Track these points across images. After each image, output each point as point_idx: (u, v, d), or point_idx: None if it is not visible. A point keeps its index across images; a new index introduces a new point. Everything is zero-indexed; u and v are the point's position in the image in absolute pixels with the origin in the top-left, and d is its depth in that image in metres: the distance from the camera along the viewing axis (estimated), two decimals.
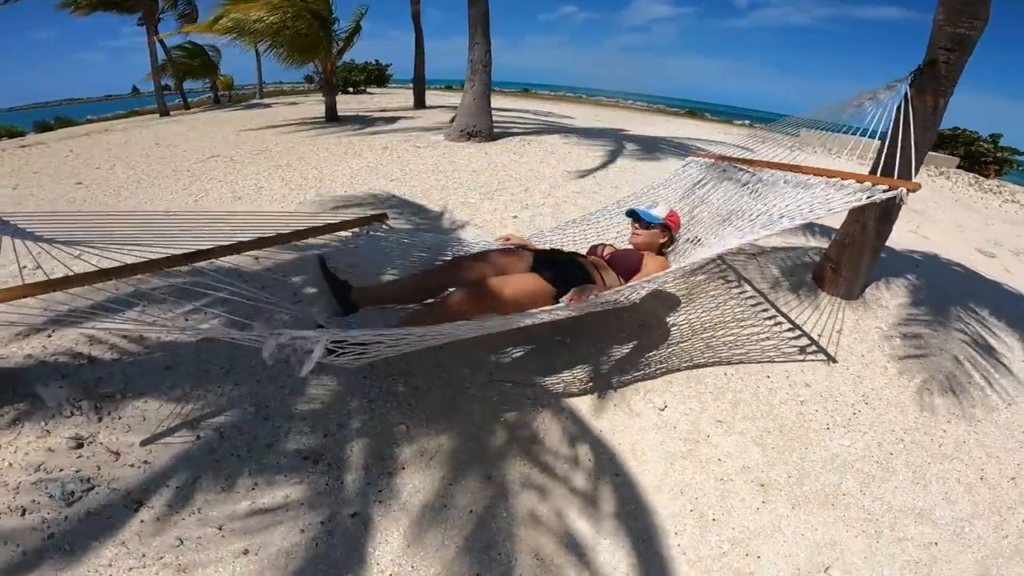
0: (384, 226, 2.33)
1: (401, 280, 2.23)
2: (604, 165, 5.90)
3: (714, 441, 2.12)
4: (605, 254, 2.41)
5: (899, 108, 2.73)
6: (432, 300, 2.09)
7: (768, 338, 2.94)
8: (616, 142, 7.65)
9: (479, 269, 2.09)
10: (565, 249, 2.65)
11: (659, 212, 2.47)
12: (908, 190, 1.76)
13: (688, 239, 2.65)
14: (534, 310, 1.92)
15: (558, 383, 2.28)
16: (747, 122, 24.00)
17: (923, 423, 2.48)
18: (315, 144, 6.51)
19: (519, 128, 8.12)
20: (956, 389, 2.81)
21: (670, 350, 2.65)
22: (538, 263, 2.15)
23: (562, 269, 2.10)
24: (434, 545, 1.55)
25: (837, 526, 1.86)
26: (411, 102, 12.04)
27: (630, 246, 2.57)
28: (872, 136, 3.31)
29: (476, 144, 6.37)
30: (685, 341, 2.73)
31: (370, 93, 17.14)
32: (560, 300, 1.96)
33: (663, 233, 2.50)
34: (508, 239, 2.58)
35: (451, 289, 2.03)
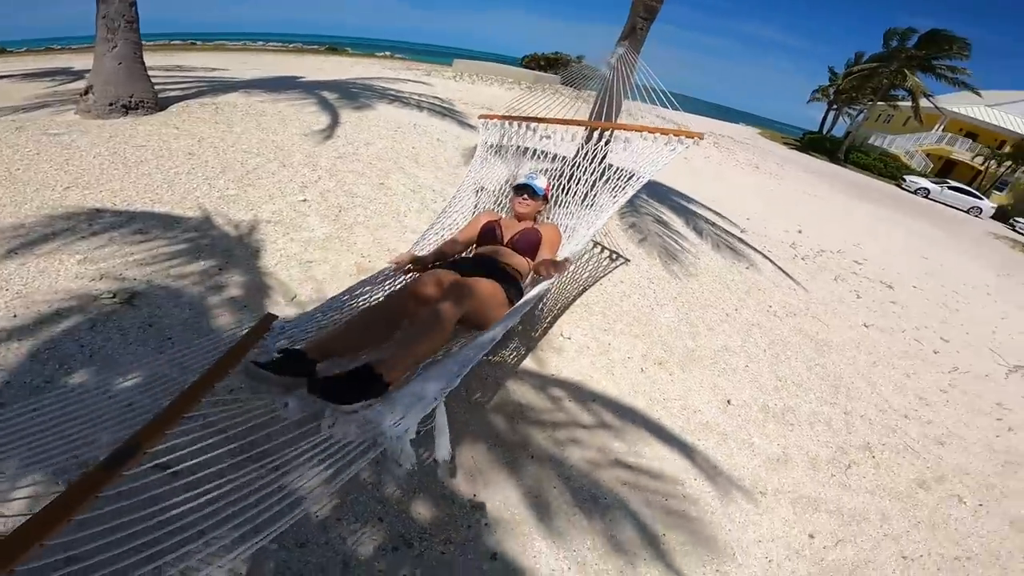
0: (278, 326, 1.82)
1: (354, 324, 1.79)
2: (333, 123, 5.42)
3: (615, 346, 2.70)
4: (507, 240, 2.43)
5: (614, 66, 3.58)
6: (397, 336, 1.85)
7: (581, 253, 3.64)
8: (309, 92, 6.99)
9: (425, 292, 1.91)
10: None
11: (542, 183, 2.59)
12: (699, 140, 2.50)
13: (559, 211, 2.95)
14: (530, 295, 1.96)
15: (489, 357, 2.39)
16: (388, 53, 24.55)
17: (681, 286, 3.69)
18: None
19: (176, 90, 6.41)
20: (674, 255, 4.18)
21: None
22: (464, 272, 2.06)
23: (490, 274, 2.08)
24: (566, 524, 1.67)
25: (707, 373, 2.75)
26: None
27: (509, 215, 2.70)
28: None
29: (145, 117, 4.83)
30: None
31: None
32: (531, 281, 2.07)
33: (543, 202, 2.65)
34: (399, 261, 2.33)
35: (413, 316, 1.84)
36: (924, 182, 20.63)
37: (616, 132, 2.76)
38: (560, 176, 2.97)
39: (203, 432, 1.27)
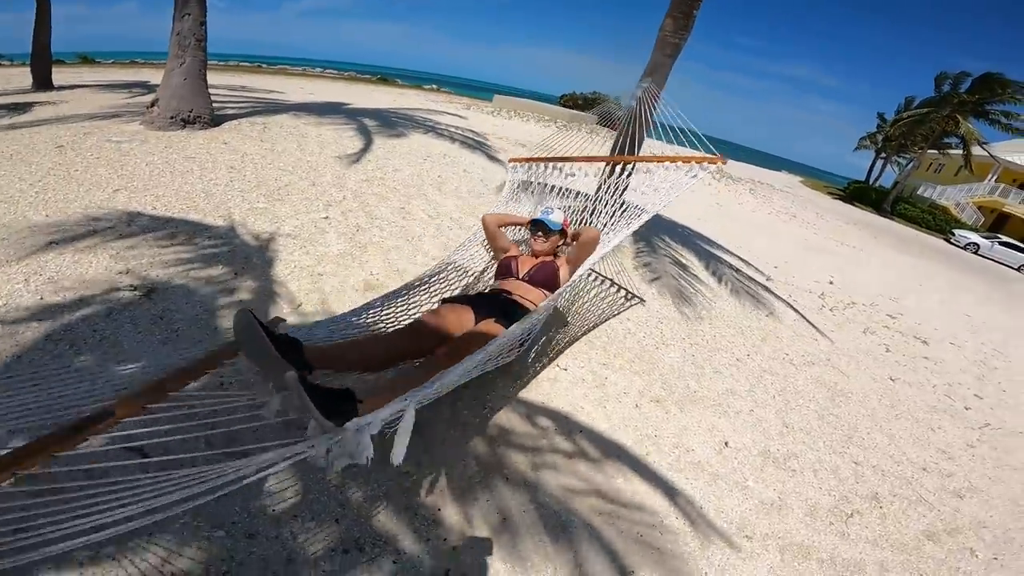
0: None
1: (360, 344, 1.88)
2: (367, 147, 5.71)
3: (612, 380, 2.67)
4: (522, 274, 2.47)
5: (638, 102, 3.65)
6: (403, 364, 1.92)
7: (597, 292, 3.66)
8: (352, 118, 7.37)
9: (441, 330, 1.97)
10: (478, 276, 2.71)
11: (557, 218, 2.62)
12: (722, 164, 2.48)
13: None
14: (518, 329, 1.97)
15: (487, 382, 2.41)
16: (434, 86, 25.64)
17: (691, 329, 3.63)
18: None
19: (233, 108, 6.89)
20: (687, 298, 4.12)
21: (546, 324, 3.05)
22: (479, 311, 2.11)
23: (502, 313, 2.12)
24: (530, 549, 1.67)
25: (706, 414, 2.68)
26: (17, 83, 8.60)
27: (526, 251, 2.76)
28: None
29: (200, 132, 5.21)
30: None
31: None
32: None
33: (561, 236, 2.67)
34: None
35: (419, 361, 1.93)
36: (974, 236, 19.66)
37: (638, 166, 2.78)
38: (581, 211, 3.03)
39: (179, 425, 1.34)
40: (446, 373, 1.52)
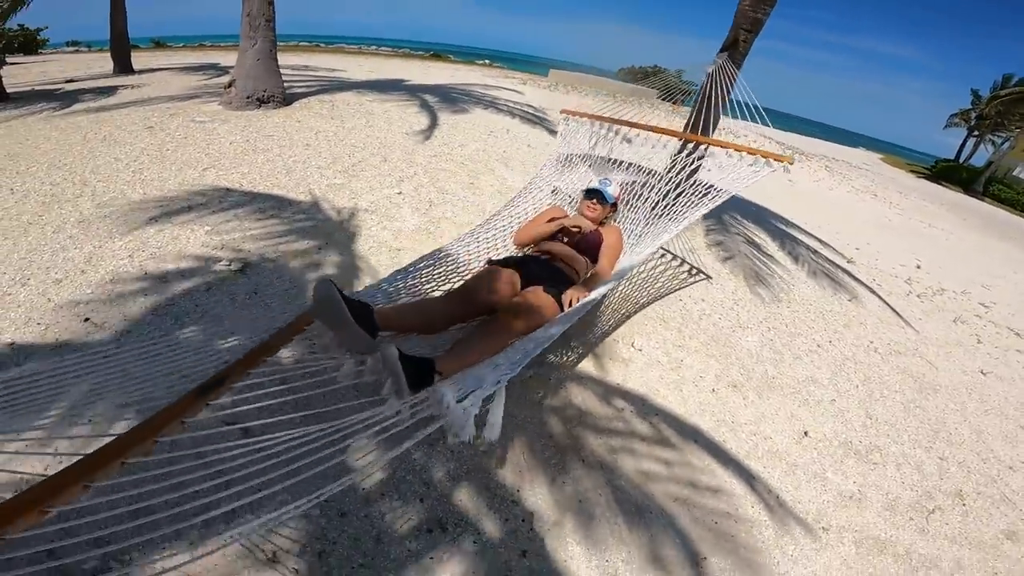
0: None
1: (420, 306, 1.96)
2: (432, 123, 5.75)
3: (687, 363, 2.61)
4: (568, 239, 2.47)
5: (710, 77, 3.46)
6: (458, 331, 1.96)
7: (655, 266, 3.57)
8: (413, 95, 7.42)
9: (491, 295, 2.00)
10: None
11: (613, 191, 2.65)
12: (788, 164, 2.35)
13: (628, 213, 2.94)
14: (588, 298, 1.99)
15: (555, 358, 2.41)
16: (487, 61, 25.37)
17: (768, 311, 3.46)
18: (11, 133, 4.58)
19: (301, 87, 7.10)
20: (763, 279, 3.93)
21: (609, 296, 3.00)
22: (526, 274, 2.14)
23: (549, 278, 2.15)
24: (605, 532, 1.67)
25: (786, 402, 2.58)
26: (99, 68, 9.13)
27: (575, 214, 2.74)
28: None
29: (275, 111, 5.41)
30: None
31: (16, 63, 11.99)
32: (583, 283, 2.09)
33: (611, 209, 2.72)
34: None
35: (479, 319, 1.98)
36: None
37: (712, 147, 2.67)
38: (637, 184, 2.93)
39: (271, 389, 1.40)
40: (512, 348, 1.57)
